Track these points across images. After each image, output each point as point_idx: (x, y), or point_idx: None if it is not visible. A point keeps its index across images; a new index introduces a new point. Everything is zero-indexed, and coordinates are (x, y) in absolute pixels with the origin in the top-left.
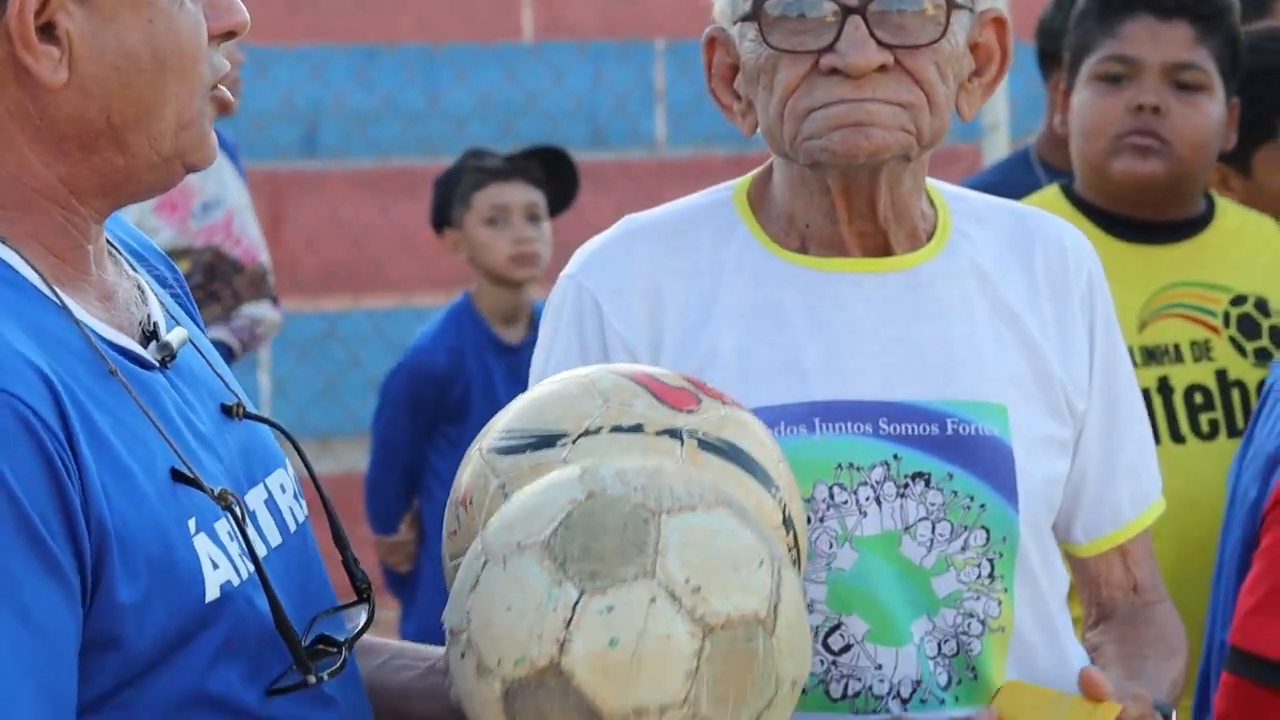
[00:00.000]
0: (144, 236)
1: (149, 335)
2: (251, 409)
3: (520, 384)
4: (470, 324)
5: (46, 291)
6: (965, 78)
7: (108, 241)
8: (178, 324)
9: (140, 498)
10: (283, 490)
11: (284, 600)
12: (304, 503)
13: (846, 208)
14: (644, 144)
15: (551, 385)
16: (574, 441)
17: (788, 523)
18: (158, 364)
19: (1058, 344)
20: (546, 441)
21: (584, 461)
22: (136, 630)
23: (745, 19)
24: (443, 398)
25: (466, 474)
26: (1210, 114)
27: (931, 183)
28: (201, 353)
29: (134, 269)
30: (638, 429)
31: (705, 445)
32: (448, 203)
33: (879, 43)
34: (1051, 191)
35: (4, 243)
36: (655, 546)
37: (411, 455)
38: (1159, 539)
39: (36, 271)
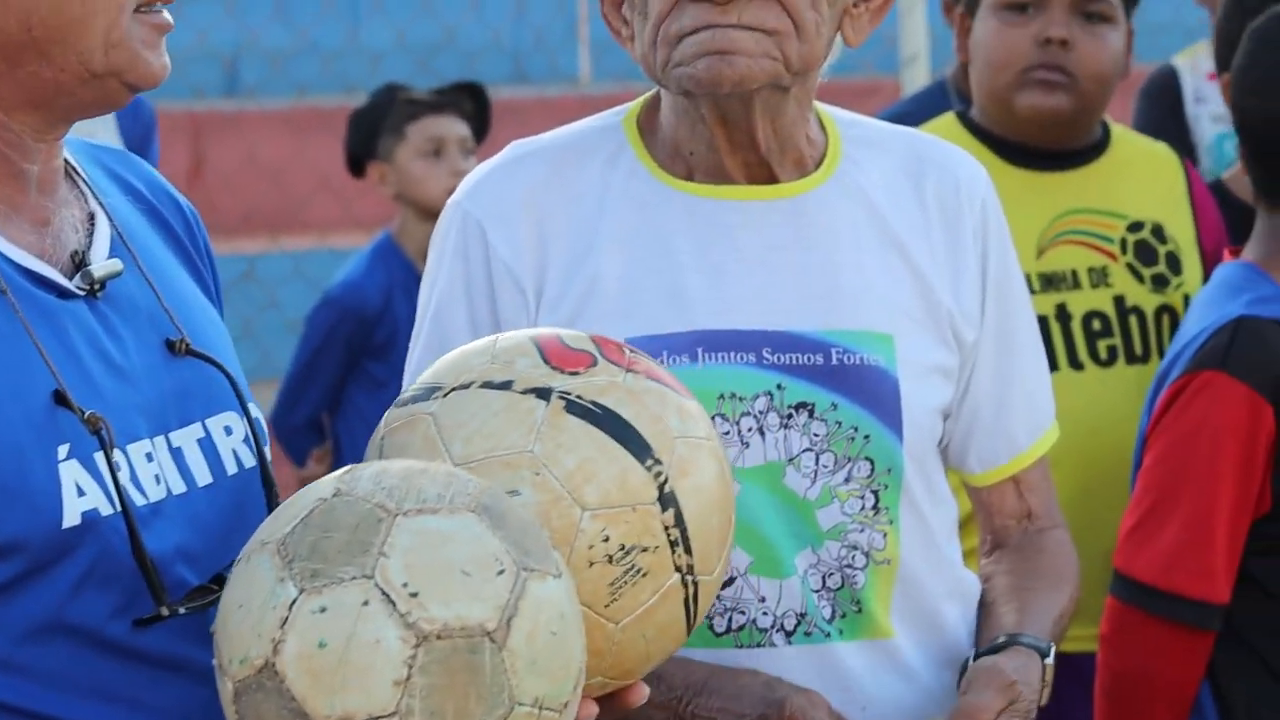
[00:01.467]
0: (159, 178)
1: (80, 265)
2: (197, 347)
3: None
4: (396, 262)
5: None
6: (850, 3)
7: (69, 167)
8: (130, 255)
9: None
10: (227, 433)
11: (205, 541)
12: (260, 452)
13: (726, 137)
14: (567, 80)
15: (471, 344)
16: (445, 395)
17: (666, 499)
18: (84, 293)
19: (948, 273)
20: (428, 393)
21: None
22: None
23: None
24: (369, 336)
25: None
26: (1115, 45)
27: (824, 109)
28: (153, 288)
29: (98, 200)
30: (506, 385)
31: (573, 408)
32: (372, 136)
33: None
34: (948, 119)
35: None
36: (380, 548)
37: (329, 390)
38: (1060, 467)
39: None
